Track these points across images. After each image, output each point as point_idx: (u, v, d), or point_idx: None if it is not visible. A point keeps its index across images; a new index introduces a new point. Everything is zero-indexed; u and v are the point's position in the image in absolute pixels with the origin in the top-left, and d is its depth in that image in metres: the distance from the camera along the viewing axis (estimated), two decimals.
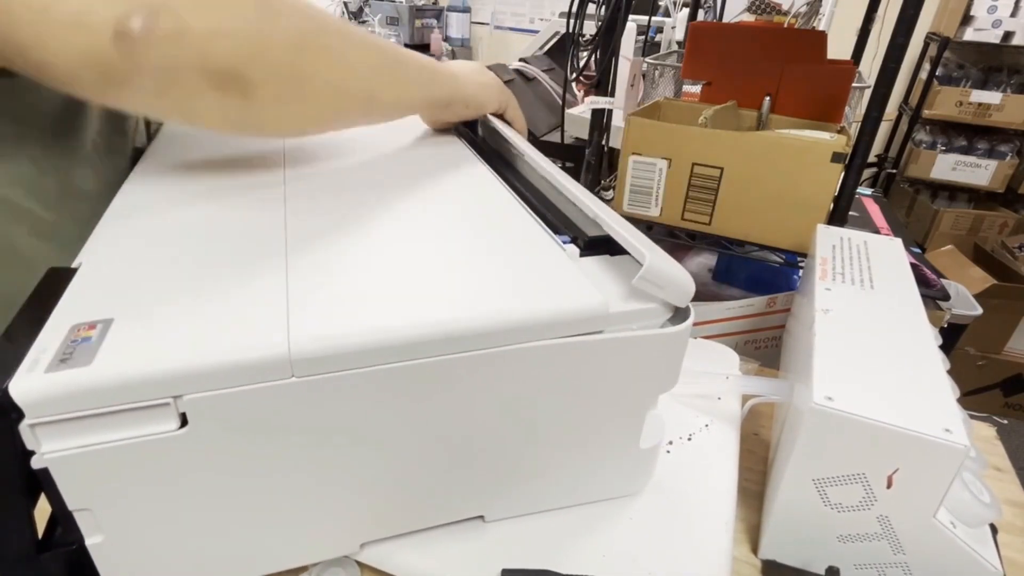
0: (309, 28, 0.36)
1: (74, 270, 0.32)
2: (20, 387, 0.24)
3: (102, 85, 0.32)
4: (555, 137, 1.24)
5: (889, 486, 0.35)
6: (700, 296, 0.89)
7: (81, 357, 0.25)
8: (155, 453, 0.27)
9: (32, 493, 0.27)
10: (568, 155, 1.22)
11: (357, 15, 2.66)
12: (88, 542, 0.28)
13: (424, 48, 3.11)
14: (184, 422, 0.27)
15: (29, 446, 0.25)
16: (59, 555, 0.28)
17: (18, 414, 0.24)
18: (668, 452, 0.45)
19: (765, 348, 0.79)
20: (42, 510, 0.28)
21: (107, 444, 0.26)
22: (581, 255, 0.36)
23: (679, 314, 0.34)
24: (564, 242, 0.37)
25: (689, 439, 0.47)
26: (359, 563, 0.38)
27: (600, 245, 0.37)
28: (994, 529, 0.38)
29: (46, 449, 0.25)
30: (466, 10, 3.41)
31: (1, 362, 0.25)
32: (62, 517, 0.27)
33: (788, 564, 0.41)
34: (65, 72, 0.31)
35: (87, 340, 0.26)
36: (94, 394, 0.25)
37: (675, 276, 0.32)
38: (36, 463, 0.25)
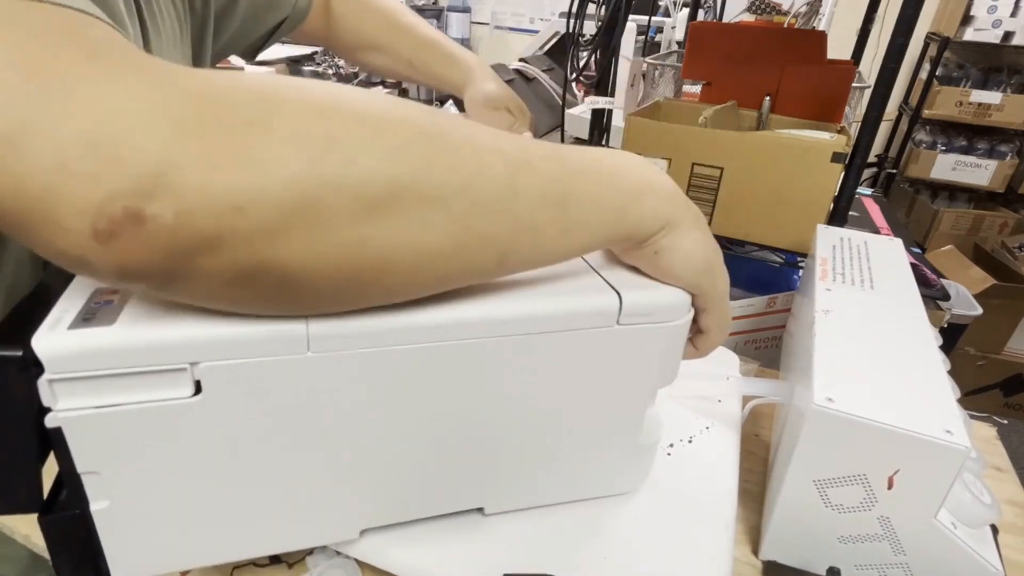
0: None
1: None
2: (43, 342, 0.24)
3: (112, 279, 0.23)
4: (555, 137, 1.24)
5: (890, 487, 0.35)
6: None
7: (104, 317, 0.25)
8: (167, 419, 0.27)
9: (42, 453, 0.27)
10: None
11: None
12: (93, 507, 0.28)
13: None
14: (198, 389, 0.27)
15: (46, 402, 0.25)
16: (60, 519, 0.28)
17: (39, 369, 0.24)
18: (669, 454, 0.45)
19: (765, 348, 0.79)
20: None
21: (121, 407, 0.26)
22: None
23: None
24: None
25: (690, 441, 0.47)
26: (359, 562, 0.38)
27: None
28: (995, 529, 0.38)
29: (61, 407, 0.25)
30: (466, 10, 3.41)
31: (25, 318, 0.25)
32: (68, 480, 0.27)
33: (789, 565, 0.41)
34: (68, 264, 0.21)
35: (109, 302, 0.26)
36: (113, 354, 0.25)
37: (657, 300, 0.33)
38: (50, 422, 0.25)
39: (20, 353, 0.24)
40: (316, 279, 0.22)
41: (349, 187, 0.21)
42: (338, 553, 0.38)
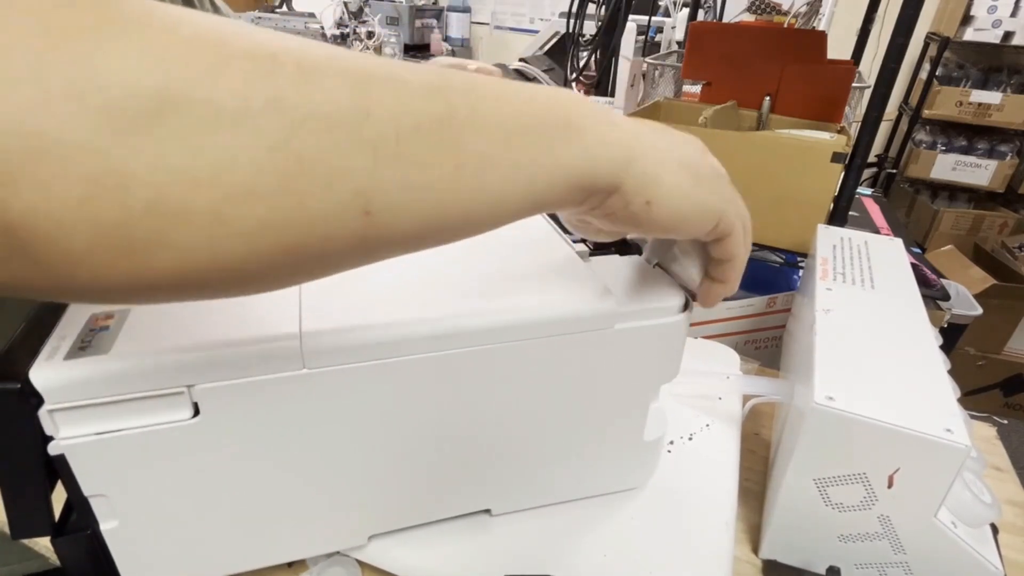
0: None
1: None
2: (40, 374, 0.24)
3: None
4: None
5: (890, 486, 0.35)
6: None
7: (99, 345, 0.26)
8: (169, 441, 0.27)
9: (50, 478, 0.27)
10: None
11: (357, 15, 2.66)
12: (103, 527, 0.29)
13: (424, 48, 3.10)
14: (197, 411, 0.27)
15: (48, 432, 0.25)
16: (73, 540, 0.29)
17: (38, 400, 0.24)
18: (669, 452, 0.45)
19: (765, 348, 0.79)
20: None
21: (122, 432, 0.26)
22: (591, 255, 0.36)
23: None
24: (574, 241, 0.37)
25: (690, 439, 0.47)
26: (360, 562, 0.38)
27: (609, 245, 0.37)
28: (995, 529, 0.38)
29: (63, 435, 0.25)
30: (466, 10, 3.41)
31: (22, 350, 0.25)
32: (77, 503, 0.28)
33: (789, 564, 0.41)
34: None
35: (105, 329, 0.27)
36: (111, 382, 0.25)
37: (654, 300, 0.33)
38: (53, 449, 0.25)
39: (18, 386, 0.24)
40: (65, 234, 0.15)
41: (87, 98, 0.15)
42: (338, 551, 0.38)
